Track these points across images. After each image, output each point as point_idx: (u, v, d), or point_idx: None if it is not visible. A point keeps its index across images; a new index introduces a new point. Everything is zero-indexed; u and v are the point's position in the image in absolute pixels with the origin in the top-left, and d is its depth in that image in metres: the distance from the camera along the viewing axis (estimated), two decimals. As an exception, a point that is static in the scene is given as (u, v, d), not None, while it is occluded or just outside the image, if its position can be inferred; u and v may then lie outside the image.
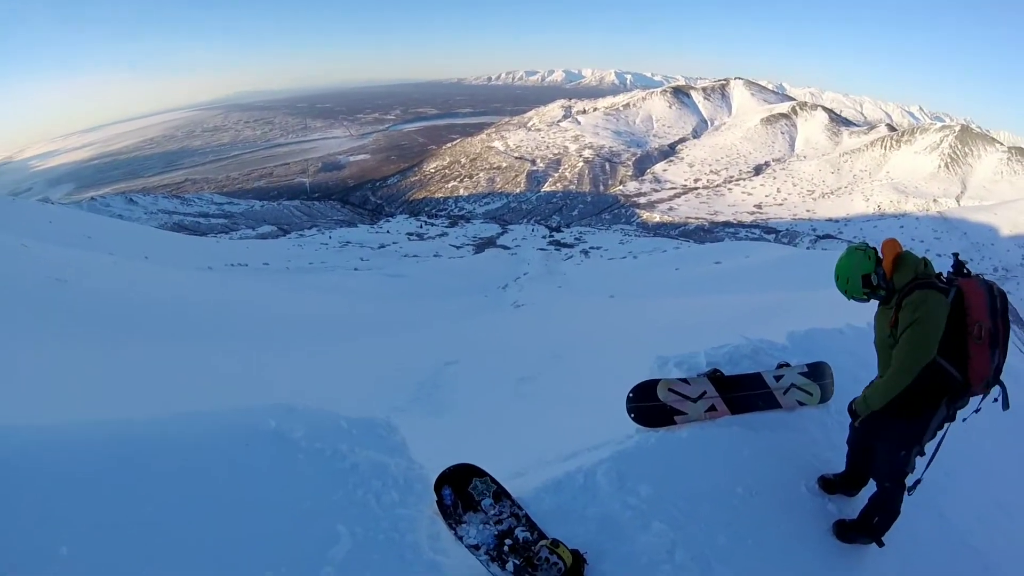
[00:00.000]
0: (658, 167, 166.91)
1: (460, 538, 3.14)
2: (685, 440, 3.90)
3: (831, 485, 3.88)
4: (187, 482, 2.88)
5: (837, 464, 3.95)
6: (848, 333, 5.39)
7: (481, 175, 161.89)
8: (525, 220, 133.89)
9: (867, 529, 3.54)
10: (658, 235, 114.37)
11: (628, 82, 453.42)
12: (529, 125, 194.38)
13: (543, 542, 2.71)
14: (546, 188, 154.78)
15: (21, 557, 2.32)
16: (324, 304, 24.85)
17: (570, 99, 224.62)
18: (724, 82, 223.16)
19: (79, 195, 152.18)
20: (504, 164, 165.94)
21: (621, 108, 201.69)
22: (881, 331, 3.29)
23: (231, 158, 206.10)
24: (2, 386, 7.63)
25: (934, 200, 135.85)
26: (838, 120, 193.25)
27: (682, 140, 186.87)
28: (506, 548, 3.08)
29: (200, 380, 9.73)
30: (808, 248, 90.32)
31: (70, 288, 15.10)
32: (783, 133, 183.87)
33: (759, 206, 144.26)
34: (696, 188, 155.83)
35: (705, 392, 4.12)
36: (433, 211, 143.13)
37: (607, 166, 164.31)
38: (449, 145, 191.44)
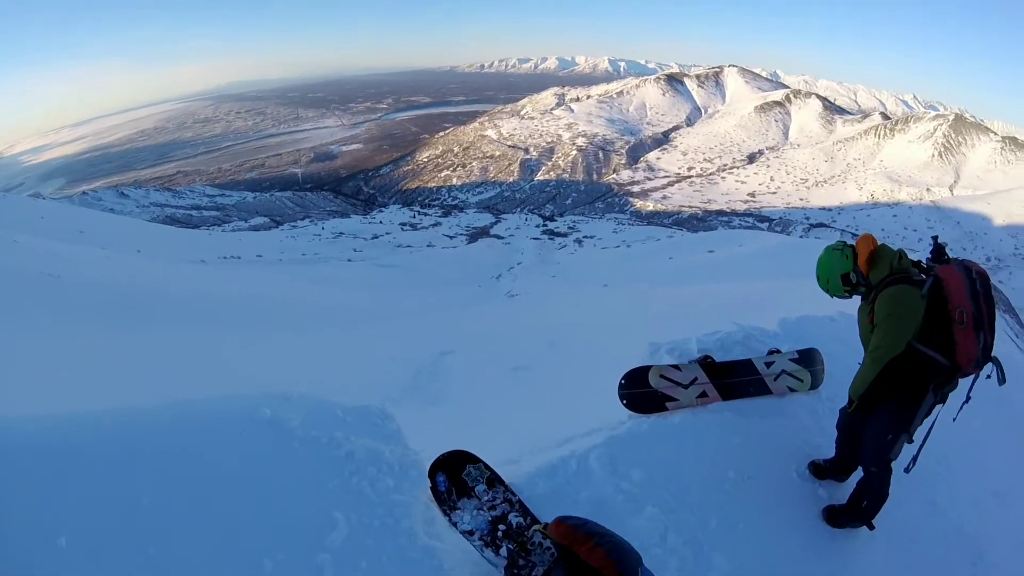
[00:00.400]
0: (652, 155, 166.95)
1: (454, 524, 3.17)
2: (677, 426, 3.93)
3: (821, 471, 3.93)
4: (183, 469, 2.89)
5: (827, 450, 3.99)
6: (839, 320, 5.42)
7: (474, 164, 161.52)
8: (518, 209, 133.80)
9: (857, 513, 3.59)
10: (652, 224, 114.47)
11: (622, 69, 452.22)
12: (522, 113, 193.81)
13: (536, 527, 2.74)
14: (539, 177, 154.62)
15: (19, 547, 2.32)
16: (319, 294, 24.80)
17: (563, 87, 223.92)
18: (718, 69, 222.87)
19: (71, 189, 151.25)
20: (497, 153, 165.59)
21: (615, 96, 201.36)
22: (863, 326, 3.37)
23: (223, 149, 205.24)
24: (-3, 378, 7.63)
25: (927, 189, 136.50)
26: (832, 108, 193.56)
27: (676, 128, 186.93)
28: (500, 533, 3.11)
29: (192, 368, 9.73)
30: (801, 237, 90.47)
31: (62, 283, 15.03)
32: (777, 121, 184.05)
33: (752, 194, 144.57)
34: (690, 176, 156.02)
35: (696, 378, 4.16)
36: (426, 201, 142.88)
37: (600, 154, 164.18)
38: (442, 134, 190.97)
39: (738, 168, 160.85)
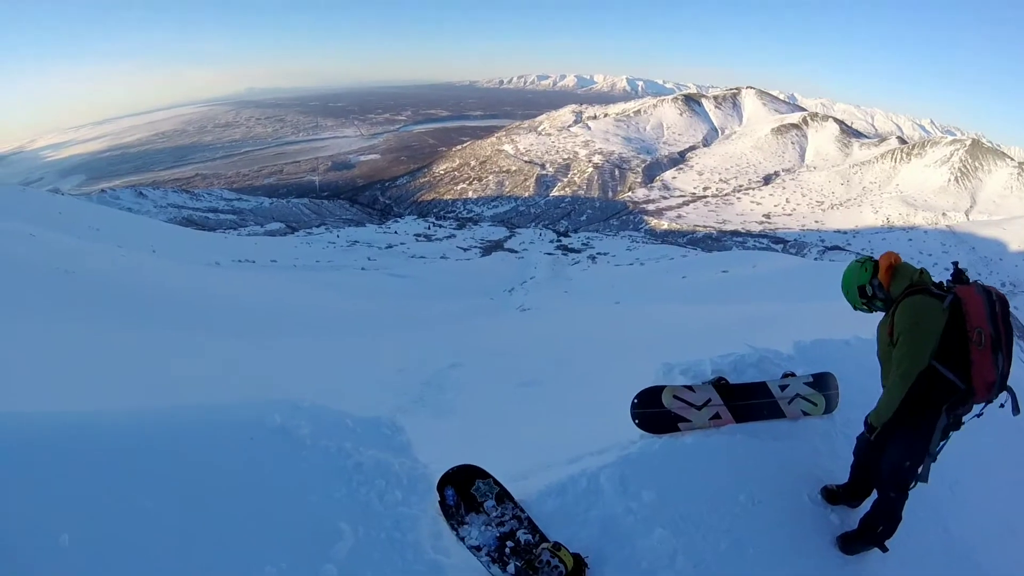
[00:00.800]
0: (667, 174, 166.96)
1: (462, 539, 3.15)
2: (689, 447, 3.89)
3: (834, 496, 3.86)
4: (190, 474, 2.90)
5: (840, 475, 3.92)
6: (855, 344, 5.34)
7: (490, 178, 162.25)
8: (533, 224, 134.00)
9: (871, 538, 3.53)
10: (666, 242, 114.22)
11: (640, 89, 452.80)
12: (540, 129, 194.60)
13: (544, 545, 2.72)
14: (555, 193, 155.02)
15: (21, 544, 2.32)
16: (331, 301, 24.91)
17: (581, 104, 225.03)
18: (736, 91, 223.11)
19: (89, 187, 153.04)
20: (514, 168, 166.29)
21: (632, 114, 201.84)
22: (883, 341, 3.30)
23: (242, 154, 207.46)
24: (7, 374, 7.69)
25: (943, 214, 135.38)
26: (849, 131, 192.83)
27: (692, 148, 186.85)
28: (507, 550, 3.09)
29: (200, 372, 9.77)
30: (816, 259, 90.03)
31: (75, 279, 15.19)
32: (793, 143, 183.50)
33: (768, 216, 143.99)
34: (705, 196, 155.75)
35: (710, 400, 4.11)
36: (441, 213, 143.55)
37: (616, 172, 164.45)
38: (459, 147, 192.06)
39: (754, 189, 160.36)
